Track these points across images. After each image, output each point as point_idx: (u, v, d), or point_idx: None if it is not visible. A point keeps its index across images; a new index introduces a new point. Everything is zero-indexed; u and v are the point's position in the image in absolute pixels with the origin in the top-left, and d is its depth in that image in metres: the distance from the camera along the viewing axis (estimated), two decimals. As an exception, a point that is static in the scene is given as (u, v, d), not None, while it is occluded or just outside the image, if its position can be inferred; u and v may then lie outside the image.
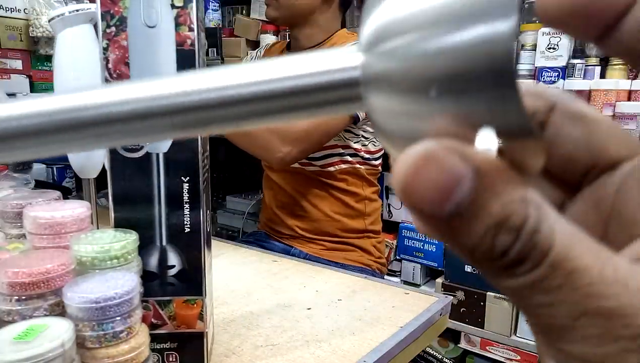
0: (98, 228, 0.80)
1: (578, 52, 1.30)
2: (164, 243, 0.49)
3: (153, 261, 0.50)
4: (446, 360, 1.55)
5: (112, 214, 0.49)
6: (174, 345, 0.51)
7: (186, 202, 0.49)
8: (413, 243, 1.59)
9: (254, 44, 1.83)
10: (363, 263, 1.24)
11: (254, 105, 0.15)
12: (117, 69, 0.47)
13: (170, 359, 0.51)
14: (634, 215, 0.16)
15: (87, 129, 0.15)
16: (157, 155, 0.48)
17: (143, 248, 0.49)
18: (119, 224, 0.49)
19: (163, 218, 0.49)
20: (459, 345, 1.52)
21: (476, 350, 1.47)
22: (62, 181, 1.32)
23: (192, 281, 0.50)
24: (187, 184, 0.49)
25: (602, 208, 0.16)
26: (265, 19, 1.83)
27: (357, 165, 1.20)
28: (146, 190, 0.48)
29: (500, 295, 1.38)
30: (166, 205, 0.49)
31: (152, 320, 0.50)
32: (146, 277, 0.49)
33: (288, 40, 1.41)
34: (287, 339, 0.59)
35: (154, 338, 0.48)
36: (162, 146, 0.48)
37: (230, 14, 2.00)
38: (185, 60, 0.46)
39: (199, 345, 0.51)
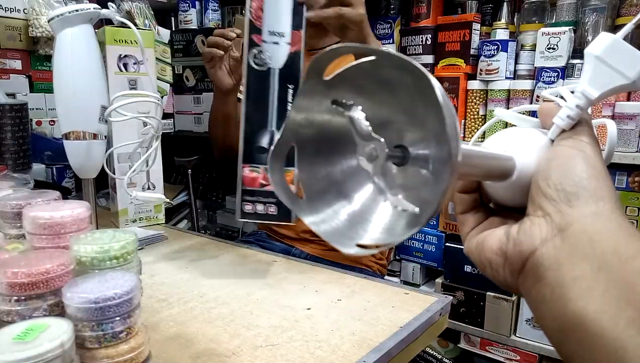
0: (97, 228, 0.80)
1: (578, 52, 1.30)
2: (273, 128, 0.73)
3: (265, 140, 0.73)
4: (446, 360, 1.55)
5: (243, 108, 0.72)
6: (274, 199, 0.73)
7: (289, 102, 0.72)
8: (413, 243, 1.59)
9: (254, 44, 1.83)
10: (363, 264, 1.24)
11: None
12: (257, 15, 0.71)
13: (270, 209, 0.74)
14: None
15: None
16: (275, 69, 0.72)
17: (259, 131, 0.72)
18: (247, 115, 0.72)
19: (275, 111, 0.72)
20: (458, 345, 1.52)
21: (476, 350, 1.47)
22: (61, 181, 1.32)
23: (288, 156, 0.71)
24: (292, 90, 0.72)
25: None
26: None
27: None
28: (266, 93, 0.72)
29: (500, 296, 1.38)
30: (277, 102, 0.72)
31: (261, 181, 0.73)
32: (260, 150, 0.73)
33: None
34: (286, 339, 0.59)
35: (261, 194, 0.73)
36: (279, 64, 0.72)
37: (230, 14, 2.00)
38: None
39: None
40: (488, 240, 0.33)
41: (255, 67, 0.71)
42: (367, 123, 0.27)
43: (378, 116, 0.28)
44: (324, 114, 0.29)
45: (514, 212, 0.34)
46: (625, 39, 0.31)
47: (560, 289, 0.27)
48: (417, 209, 0.26)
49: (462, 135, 1.48)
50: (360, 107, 0.28)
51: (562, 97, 0.32)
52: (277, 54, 0.71)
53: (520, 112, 0.37)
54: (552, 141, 0.32)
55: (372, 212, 0.29)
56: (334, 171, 0.31)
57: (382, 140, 0.27)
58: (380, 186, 0.29)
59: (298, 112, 0.29)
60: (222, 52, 1.04)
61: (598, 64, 0.31)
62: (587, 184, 0.29)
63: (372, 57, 0.26)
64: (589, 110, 0.33)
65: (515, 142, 0.34)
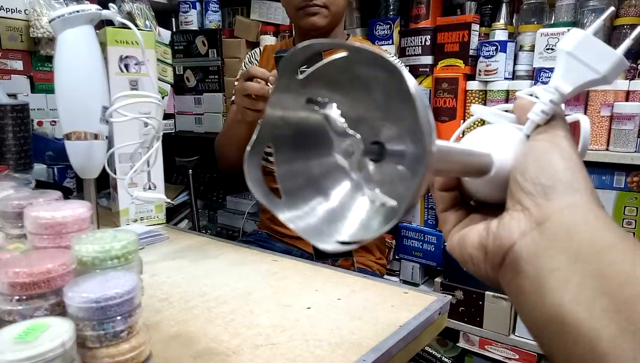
0: (99, 228, 0.80)
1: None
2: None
3: None
4: (445, 360, 1.56)
5: None
6: None
7: None
8: (412, 243, 1.59)
9: (254, 45, 1.83)
10: (364, 264, 1.25)
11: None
12: None
13: None
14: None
15: None
16: None
17: None
18: None
19: None
20: (457, 344, 1.53)
21: (475, 349, 1.48)
22: (62, 181, 1.32)
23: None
24: None
25: None
26: (265, 21, 1.84)
27: None
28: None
29: (499, 295, 1.38)
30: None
31: None
32: None
33: (290, 40, 1.42)
34: (286, 338, 0.59)
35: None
36: None
37: (231, 15, 2.01)
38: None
39: None
40: (469, 236, 0.34)
41: None
42: (343, 120, 0.28)
43: (354, 112, 0.28)
44: (299, 112, 0.30)
45: (494, 208, 0.34)
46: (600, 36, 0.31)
47: (538, 281, 0.28)
48: (394, 203, 0.26)
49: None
50: (335, 104, 0.28)
51: (536, 96, 0.33)
52: None
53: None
54: (528, 136, 0.33)
55: (349, 208, 0.30)
56: (311, 168, 0.31)
57: (358, 136, 0.28)
58: (358, 182, 0.29)
59: (274, 110, 0.29)
60: (262, 104, 0.96)
61: (570, 60, 0.31)
62: (563, 177, 0.29)
63: (345, 54, 0.26)
64: (563, 106, 0.33)
65: (492, 138, 0.34)
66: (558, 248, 0.28)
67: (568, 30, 0.32)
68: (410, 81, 0.23)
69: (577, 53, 0.31)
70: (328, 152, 0.30)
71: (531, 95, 0.34)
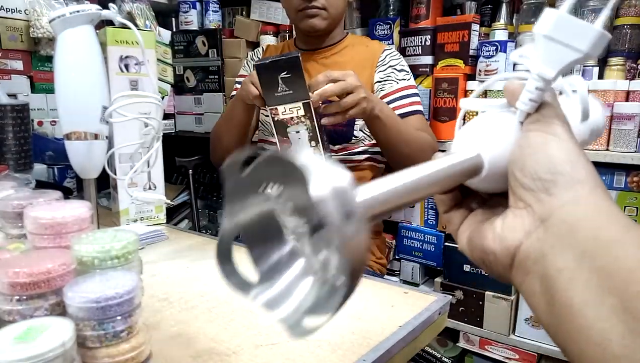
0: (99, 228, 0.80)
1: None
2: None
3: None
4: (445, 359, 1.56)
5: None
6: None
7: None
8: (412, 243, 1.59)
9: (254, 45, 1.83)
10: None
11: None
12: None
13: None
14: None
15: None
16: None
17: None
18: None
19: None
20: (457, 344, 1.52)
21: (475, 349, 1.48)
22: (63, 181, 1.32)
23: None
24: None
25: None
26: (265, 21, 1.84)
27: (371, 163, 1.23)
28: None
29: (499, 295, 1.38)
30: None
31: None
32: None
33: (291, 40, 1.42)
34: (286, 338, 0.59)
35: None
36: None
37: (231, 15, 2.00)
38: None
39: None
40: (476, 239, 0.33)
41: None
42: (290, 203, 0.27)
43: (299, 196, 0.28)
44: (251, 208, 0.30)
45: (499, 196, 0.34)
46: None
47: (547, 281, 0.27)
48: (341, 279, 0.26)
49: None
50: (279, 191, 0.28)
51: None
52: None
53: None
54: (522, 123, 0.32)
55: (302, 287, 0.29)
56: (273, 252, 0.31)
57: (304, 219, 0.27)
58: (309, 261, 0.29)
59: (230, 218, 0.30)
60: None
61: (548, 43, 0.30)
62: (562, 169, 0.28)
63: (260, 160, 0.27)
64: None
65: (482, 133, 0.33)
66: (563, 246, 0.27)
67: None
68: (309, 175, 0.23)
69: (554, 35, 0.30)
70: (283, 236, 0.30)
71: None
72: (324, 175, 0.23)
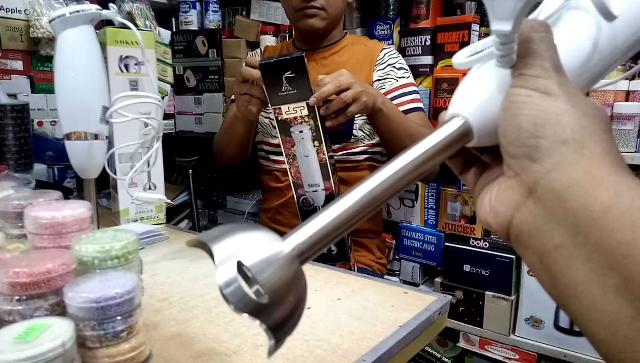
0: (99, 228, 0.80)
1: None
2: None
3: None
4: (445, 359, 1.56)
5: None
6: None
7: None
8: (412, 242, 1.59)
9: (254, 45, 1.83)
10: (364, 263, 1.25)
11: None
12: (296, 176, 1.02)
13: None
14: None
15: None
16: (318, 206, 1.01)
17: None
18: None
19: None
20: (457, 344, 1.52)
21: (475, 349, 1.48)
22: (63, 181, 1.32)
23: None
24: None
25: None
26: (265, 21, 1.84)
27: (370, 163, 1.23)
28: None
29: (499, 295, 1.38)
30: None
31: None
32: None
33: (290, 40, 1.43)
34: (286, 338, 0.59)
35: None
36: (320, 203, 1.01)
37: (231, 15, 2.00)
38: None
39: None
40: (482, 212, 0.30)
41: (304, 208, 1.00)
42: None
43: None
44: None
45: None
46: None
47: (546, 259, 0.26)
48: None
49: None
50: None
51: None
52: (317, 197, 1.00)
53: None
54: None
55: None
56: None
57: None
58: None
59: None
60: (258, 90, 1.03)
61: None
62: (544, 131, 0.26)
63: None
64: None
65: (469, 94, 0.32)
66: (555, 220, 0.25)
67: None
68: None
69: None
70: None
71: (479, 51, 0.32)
72: (228, 260, 0.26)
